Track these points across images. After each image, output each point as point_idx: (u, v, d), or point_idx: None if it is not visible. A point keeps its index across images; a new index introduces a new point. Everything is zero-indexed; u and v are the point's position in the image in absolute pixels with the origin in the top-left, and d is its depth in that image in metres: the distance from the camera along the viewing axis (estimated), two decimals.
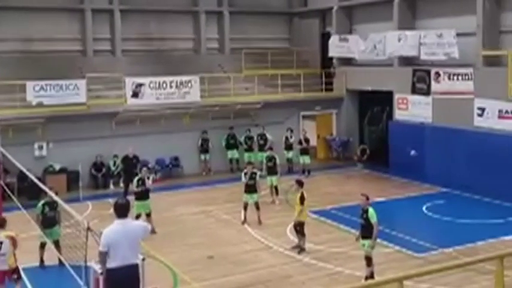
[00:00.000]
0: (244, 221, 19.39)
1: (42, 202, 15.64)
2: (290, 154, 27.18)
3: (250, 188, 19.56)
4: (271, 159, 22.32)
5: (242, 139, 27.82)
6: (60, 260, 14.93)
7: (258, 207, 19.48)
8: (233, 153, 27.81)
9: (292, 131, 27.66)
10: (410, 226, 19.28)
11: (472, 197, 22.11)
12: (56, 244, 15.19)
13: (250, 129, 27.87)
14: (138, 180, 18.75)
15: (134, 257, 9.39)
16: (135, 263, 9.41)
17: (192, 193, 24.06)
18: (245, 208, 19.52)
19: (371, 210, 14.06)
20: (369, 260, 14.04)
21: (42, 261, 15.75)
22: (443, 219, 19.51)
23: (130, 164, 23.51)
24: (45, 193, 14.84)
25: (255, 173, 19.83)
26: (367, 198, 14.33)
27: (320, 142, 30.77)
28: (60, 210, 15.48)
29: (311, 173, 26.35)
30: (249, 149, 27.66)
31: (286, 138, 27.36)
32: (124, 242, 9.24)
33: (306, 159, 26.46)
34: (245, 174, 19.78)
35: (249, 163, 21.01)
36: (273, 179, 22.09)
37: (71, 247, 12.93)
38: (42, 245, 15.57)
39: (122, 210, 9.50)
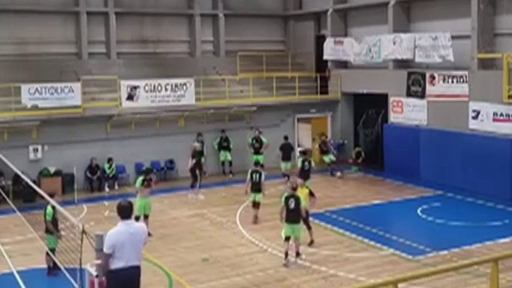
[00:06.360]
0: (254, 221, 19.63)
1: (51, 206, 14.60)
2: (260, 158, 25.03)
3: (255, 187, 19.75)
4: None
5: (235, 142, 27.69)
6: (50, 266, 14.89)
7: (257, 207, 19.65)
8: (225, 156, 27.77)
9: (260, 132, 26.57)
10: (405, 229, 19.35)
11: (465, 200, 22.18)
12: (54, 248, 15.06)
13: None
14: (143, 180, 18.62)
15: (137, 258, 9.41)
16: (138, 265, 9.44)
17: (186, 196, 24.01)
18: (253, 207, 19.79)
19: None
20: None
21: (52, 267, 14.98)
22: (438, 221, 19.53)
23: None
24: (42, 197, 14.52)
25: (258, 172, 19.90)
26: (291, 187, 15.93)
27: (315, 145, 30.76)
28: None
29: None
30: None
31: (255, 139, 26.24)
32: (129, 243, 9.28)
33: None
34: (251, 173, 19.94)
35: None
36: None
37: (66, 250, 12.91)
38: (52, 251, 14.62)
39: (126, 212, 9.54)
